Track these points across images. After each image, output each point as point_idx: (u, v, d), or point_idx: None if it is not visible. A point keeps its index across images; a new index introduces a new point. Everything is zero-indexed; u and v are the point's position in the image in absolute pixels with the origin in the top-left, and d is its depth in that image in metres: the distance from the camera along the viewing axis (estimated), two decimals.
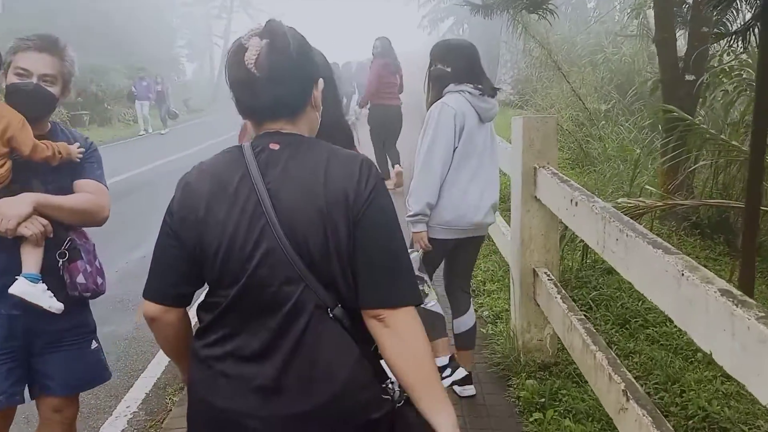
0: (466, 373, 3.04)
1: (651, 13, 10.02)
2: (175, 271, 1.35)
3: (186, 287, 1.37)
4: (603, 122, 8.46)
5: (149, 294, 1.38)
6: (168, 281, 1.36)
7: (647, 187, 4.55)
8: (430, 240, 2.85)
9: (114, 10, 23.01)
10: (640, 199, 3.97)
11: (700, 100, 5.40)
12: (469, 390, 3.07)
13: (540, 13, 4.74)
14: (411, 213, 2.83)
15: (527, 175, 3.20)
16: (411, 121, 8.34)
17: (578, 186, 2.62)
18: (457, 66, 2.87)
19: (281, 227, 1.26)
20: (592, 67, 11.07)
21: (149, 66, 23.64)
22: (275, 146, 1.33)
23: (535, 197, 3.18)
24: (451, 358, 3.02)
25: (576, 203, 2.51)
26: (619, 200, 4.11)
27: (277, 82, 1.29)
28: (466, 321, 3.09)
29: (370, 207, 1.29)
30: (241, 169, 1.31)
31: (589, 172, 7.72)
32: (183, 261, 1.33)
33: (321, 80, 1.41)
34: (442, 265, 3.13)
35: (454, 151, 2.80)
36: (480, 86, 2.85)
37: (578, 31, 13.12)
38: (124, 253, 5.79)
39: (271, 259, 1.26)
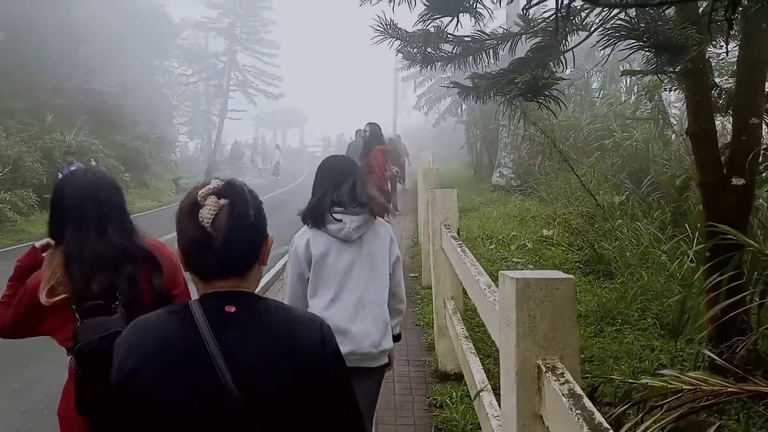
0: None
1: (666, 95, 9.03)
2: None
3: None
4: (619, 221, 7.18)
5: None
6: None
7: (694, 349, 3.14)
8: None
9: (106, 90, 22.21)
10: (690, 376, 2.57)
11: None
12: None
13: (540, 101, 3.55)
14: None
15: (526, 377, 1.88)
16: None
17: None
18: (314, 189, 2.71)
19: (242, 396, 1.20)
20: (600, 152, 9.95)
21: (143, 144, 22.79)
22: (230, 308, 1.28)
23: (541, 418, 1.86)
24: None
25: None
26: (664, 372, 2.74)
27: (233, 242, 1.26)
28: None
29: (333, 373, 1.29)
30: (194, 335, 1.23)
31: (604, 282, 6.42)
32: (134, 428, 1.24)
33: (271, 237, 1.37)
34: None
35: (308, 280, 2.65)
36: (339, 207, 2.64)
37: (583, 114, 12.06)
38: None
39: (231, 430, 1.21)
